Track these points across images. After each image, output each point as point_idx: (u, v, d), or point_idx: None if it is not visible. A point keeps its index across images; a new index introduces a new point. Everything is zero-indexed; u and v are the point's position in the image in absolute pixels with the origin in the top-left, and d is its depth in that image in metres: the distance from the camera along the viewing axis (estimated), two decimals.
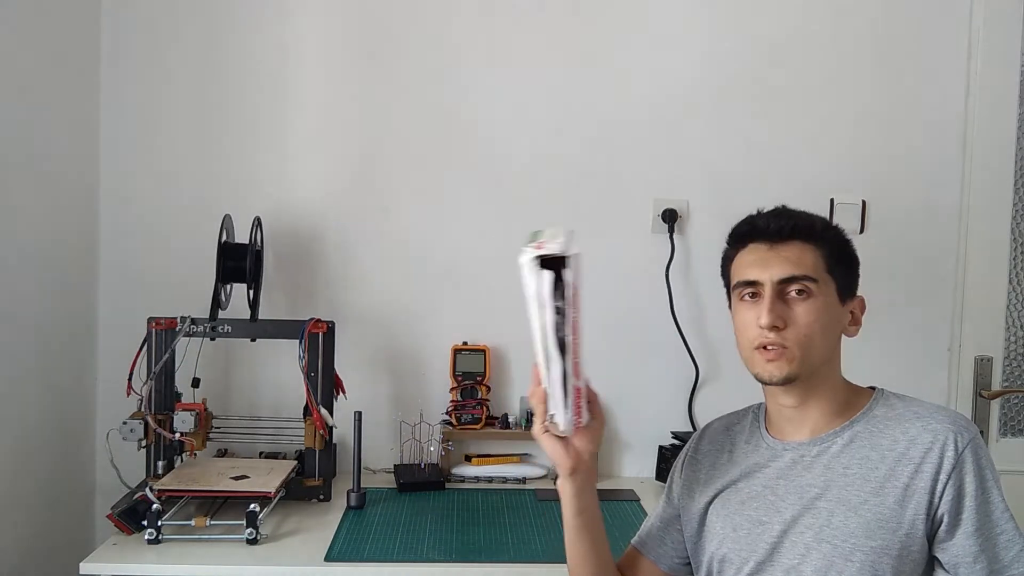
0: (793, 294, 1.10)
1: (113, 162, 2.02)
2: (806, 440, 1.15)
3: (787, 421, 1.17)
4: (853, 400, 1.16)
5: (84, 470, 2.00)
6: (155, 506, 1.56)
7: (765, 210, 1.17)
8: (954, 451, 1.05)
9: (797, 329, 1.09)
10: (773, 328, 1.09)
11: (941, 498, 1.05)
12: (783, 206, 1.18)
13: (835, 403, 1.15)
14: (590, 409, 1.05)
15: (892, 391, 1.17)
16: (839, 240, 1.15)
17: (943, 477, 1.05)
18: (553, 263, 0.96)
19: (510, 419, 2.04)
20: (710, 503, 1.20)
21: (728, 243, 1.21)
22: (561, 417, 1.03)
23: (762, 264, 1.12)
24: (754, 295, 1.13)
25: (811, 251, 1.12)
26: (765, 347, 1.10)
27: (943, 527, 1.06)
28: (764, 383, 1.14)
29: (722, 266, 1.22)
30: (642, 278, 2.08)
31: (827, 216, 1.26)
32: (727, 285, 1.21)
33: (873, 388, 1.18)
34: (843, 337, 1.17)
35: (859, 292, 1.19)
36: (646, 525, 1.31)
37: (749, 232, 1.16)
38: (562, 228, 0.96)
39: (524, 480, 2.01)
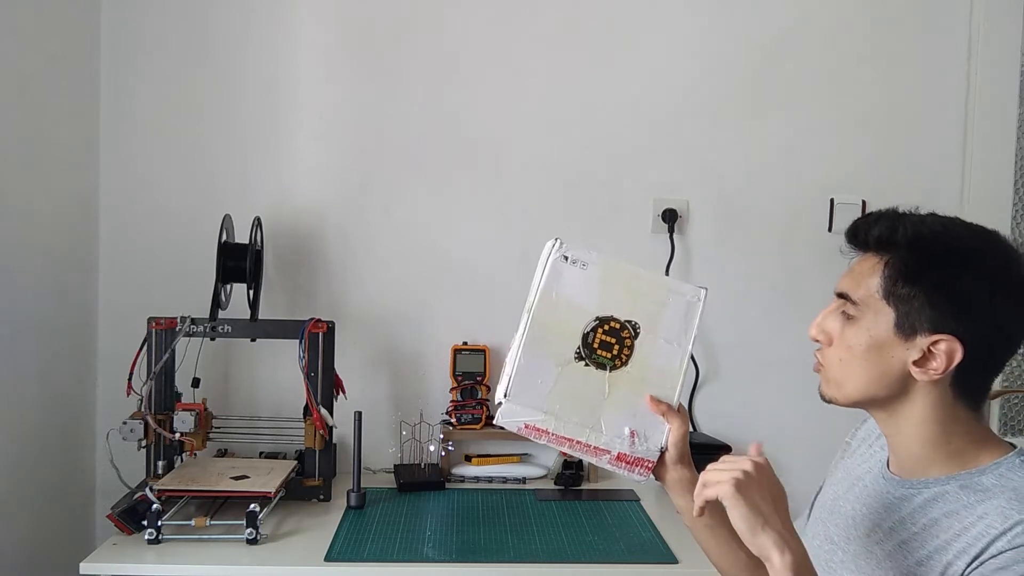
0: (844, 313, 1.00)
1: (113, 162, 2.02)
2: (897, 478, 1.01)
3: (890, 448, 1.05)
4: (968, 454, 0.96)
5: (84, 470, 2.00)
6: (155, 506, 1.56)
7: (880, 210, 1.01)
8: (1007, 540, 0.86)
9: (832, 350, 1.00)
10: (815, 340, 1.03)
11: None
12: (892, 208, 0.99)
13: (929, 449, 0.97)
14: (668, 417, 1.15)
15: None
16: (921, 262, 0.94)
17: (968, 561, 0.87)
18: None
19: None
20: (818, 495, 1.17)
21: None
22: (634, 476, 1.17)
23: (842, 276, 1.02)
24: None
25: (880, 269, 0.96)
26: None
27: None
28: None
29: None
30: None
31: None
32: None
33: (1013, 447, 0.97)
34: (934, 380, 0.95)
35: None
36: None
37: (847, 235, 1.04)
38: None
39: (524, 480, 2.01)
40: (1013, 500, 0.89)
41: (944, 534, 0.92)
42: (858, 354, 0.97)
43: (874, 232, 0.97)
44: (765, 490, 0.92)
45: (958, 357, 0.92)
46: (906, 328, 0.94)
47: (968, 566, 0.87)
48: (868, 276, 0.97)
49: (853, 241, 1.01)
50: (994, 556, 0.86)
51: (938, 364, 0.93)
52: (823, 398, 1.04)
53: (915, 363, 0.94)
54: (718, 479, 0.93)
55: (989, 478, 0.93)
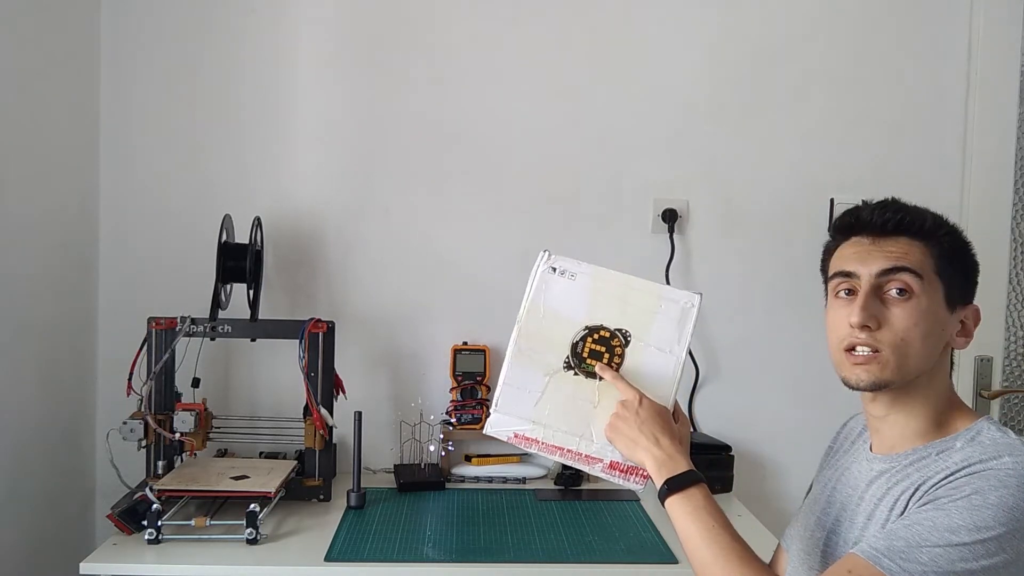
0: (893, 293, 1.00)
1: (113, 162, 2.02)
2: (880, 455, 1.06)
3: (874, 432, 1.08)
4: (949, 422, 1.03)
5: (84, 470, 2.00)
6: (155, 506, 1.56)
7: (872, 201, 1.06)
8: (966, 472, 0.93)
9: (893, 332, 0.98)
10: (864, 328, 0.99)
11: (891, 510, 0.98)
12: (892, 198, 1.05)
13: (924, 420, 1.03)
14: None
15: (997, 425, 1.01)
16: (954, 241, 1.02)
17: (927, 489, 0.95)
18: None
19: None
20: (807, 496, 1.20)
21: (830, 235, 1.11)
22: (630, 485, 1.18)
23: (861, 258, 1.02)
24: (850, 292, 1.03)
25: (919, 248, 1.01)
26: (854, 349, 1.01)
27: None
28: (851, 388, 1.03)
29: (822, 260, 1.12)
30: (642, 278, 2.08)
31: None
32: (825, 280, 1.11)
33: (981, 415, 1.04)
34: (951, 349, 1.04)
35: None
36: None
37: (852, 224, 1.05)
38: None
39: (524, 480, 2.01)
40: (978, 449, 0.96)
41: (913, 482, 0.98)
42: (924, 330, 0.99)
43: (910, 216, 1.03)
44: (631, 421, 1.11)
45: (979, 322, 1.05)
46: (954, 302, 1.02)
47: (926, 492, 0.94)
48: (912, 253, 1.01)
49: (879, 227, 1.03)
50: (949, 483, 0.93)
51: (970, 332, 1.04)
52: (877, 385, 1.00)
53: (957, 334, 1.03)
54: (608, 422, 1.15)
55: (961, 441, 0.99)
